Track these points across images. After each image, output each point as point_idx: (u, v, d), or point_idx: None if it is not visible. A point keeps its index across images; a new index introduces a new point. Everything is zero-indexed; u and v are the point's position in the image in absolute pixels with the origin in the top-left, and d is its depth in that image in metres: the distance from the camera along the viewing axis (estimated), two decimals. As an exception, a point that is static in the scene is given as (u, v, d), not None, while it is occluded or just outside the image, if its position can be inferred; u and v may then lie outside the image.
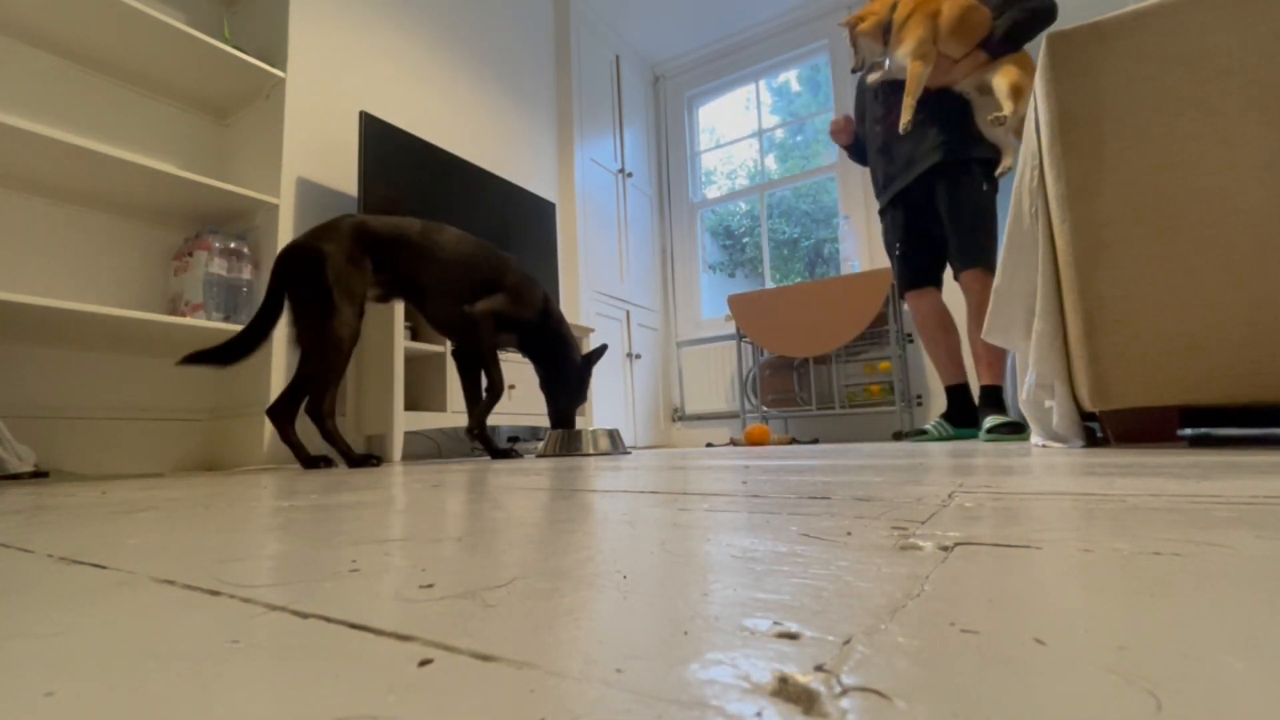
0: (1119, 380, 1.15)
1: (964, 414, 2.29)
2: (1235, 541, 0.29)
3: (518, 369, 2.52)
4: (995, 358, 2.14)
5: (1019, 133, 1.97)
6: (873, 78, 2.29)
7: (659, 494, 0.60)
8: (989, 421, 2.03)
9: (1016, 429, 1.98)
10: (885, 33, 2.17)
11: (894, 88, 2.23)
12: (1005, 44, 2.03)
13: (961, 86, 2.15)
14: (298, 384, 1.62)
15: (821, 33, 3.99)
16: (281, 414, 1.61)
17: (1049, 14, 2.01)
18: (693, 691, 0.14)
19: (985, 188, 2.15)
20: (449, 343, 2.29)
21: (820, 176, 4.10)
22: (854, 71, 2.32)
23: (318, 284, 1.59)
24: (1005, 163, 2.10)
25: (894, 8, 2.15)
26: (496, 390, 1.90)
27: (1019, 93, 1.94)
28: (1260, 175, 1.06)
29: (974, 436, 2.22)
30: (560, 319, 2.09)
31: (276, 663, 0.17)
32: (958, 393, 2.32)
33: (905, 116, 2.11)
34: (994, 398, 2.13)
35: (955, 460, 0.98)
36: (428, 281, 1.83)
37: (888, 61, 2.20)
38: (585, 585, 0.25)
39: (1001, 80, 1.99)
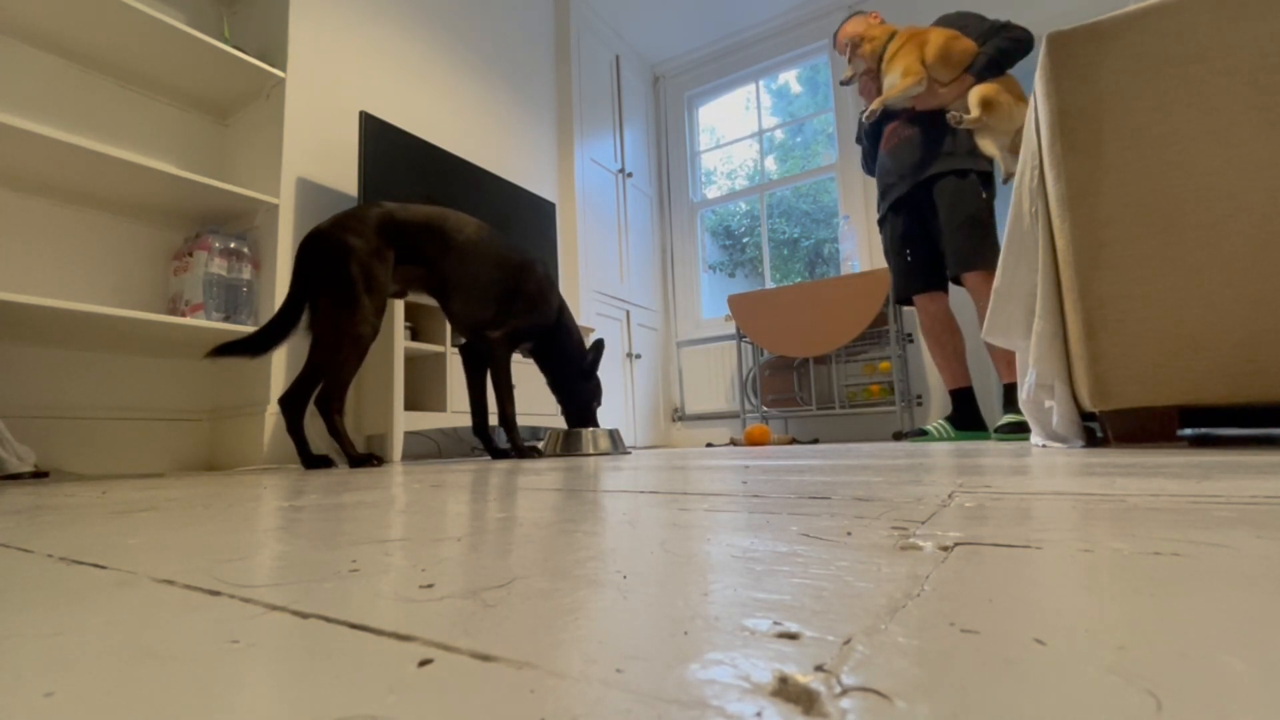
0: (1119, 380, 1.15)
1: (967, 417, 2.31)
2: (1235, 541, 0.29)
3: (518, 367, 2.52)
4: (1013, 356, 2.17)
5: (1014, 148, 2.07)
6: (867, 114, 2.40)
7: (659, 494, 0.60)
8: (1002, 420, 2.09)
9: (1026, 428, 2.01)
10: (879, 60, 2.32)
11: (890, 112, 2.36)
12: (989, 70, 2.14)
13: (956, 108, 2.24)
14: (308, 373, 1.59)
15: (821, 33, 3.98)
16: (293, 405, 1.59)
17: (1029, 44, 2.17)
18: (693, 691, 0.14)
19: (984, 195, 2.20)
20: (450, 342, 2.30)
21: (820, 176, 4.10)
22: (843, 83, 2.47)
23: (340, 276, 1.57)
24: (1005, 170, 2.16)
25: (890, 38, 2.31)
26: (507, 419, 1.88)
27: (988, 104, 2.07)
28: (1260, 175, 1.06)
29: (978, 438, 2.24)
30: (571, 325, 2.07)
31: (276, 663, 0.17)
32: (962, 396, 2.33)
33: (873, 106, 2.26)
34: (1014, 395, 2.18)
35: (955, 460, 0.98)
36: (454, 276, 1.80)
37: (883, 82, 2.32)
38: (585, 585, 0.25)
39: (974, 92, 2.11)
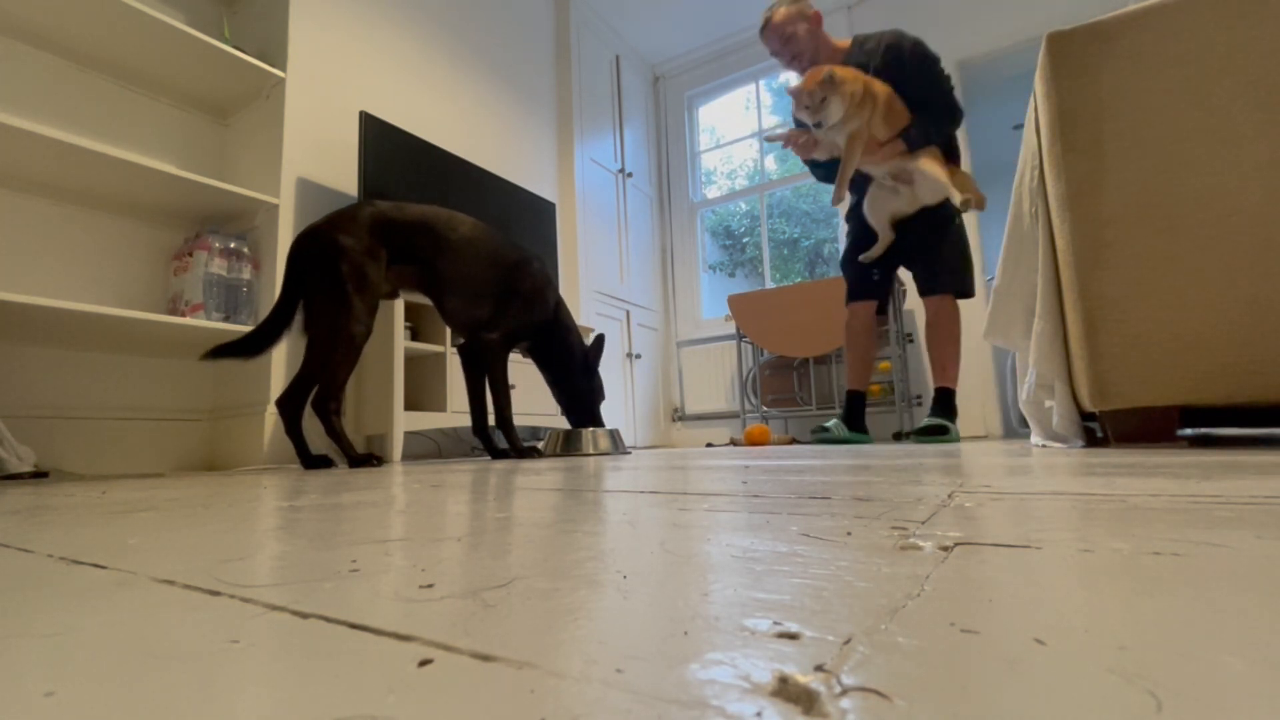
0: (1119, 380, 1.15)
1: (855, 418, 2.39)
2: (1235, 541, 0.29)
3: (518, 367, 2.52)
4: (950, 360, 2.25)
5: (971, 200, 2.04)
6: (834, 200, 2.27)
7: (659, 494, 0.60)
8: (923, 422, 2.18)
9: (941, 430, 2.12)
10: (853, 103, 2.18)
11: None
12: (920, 142, 2.14)
13: (878, 171, 2.22)
14: (305, 375, 1.59)
15: (821, 33, 3.98)
16: (290, 406, 1.59)
17: (960, 115, 2.19)
18: (693, 691, 0.14)
19: (956, 223, 2.26)
20: (450, 342, 2.29)
21: (820, 176, 4.09)
22: (816, 127, 2.15)
23: (332, 276, 1.56)
24: (958, 200, 2.08)
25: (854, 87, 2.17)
26: (504, 420, 1.88)
27: (952, 177, 2.09)
28: (1260, 175, 1.06)
29: (861, 441, 2.33)
30: (569, 321, 2.06)
31: (276, 663, 0.17)
32: (857, 398, 2.40)
33: (839, 193, 2.18)
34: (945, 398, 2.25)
35: (955, 460, 0.98)
36: (448, 275, 1.79)
37: (823, 126, 2.14)
38: (585, 585, 0.25)
39: (933, 167, 2.09)
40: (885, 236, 2.26)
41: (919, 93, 2.15)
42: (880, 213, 2.25)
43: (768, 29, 2.31)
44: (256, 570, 0.30)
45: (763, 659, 0.16)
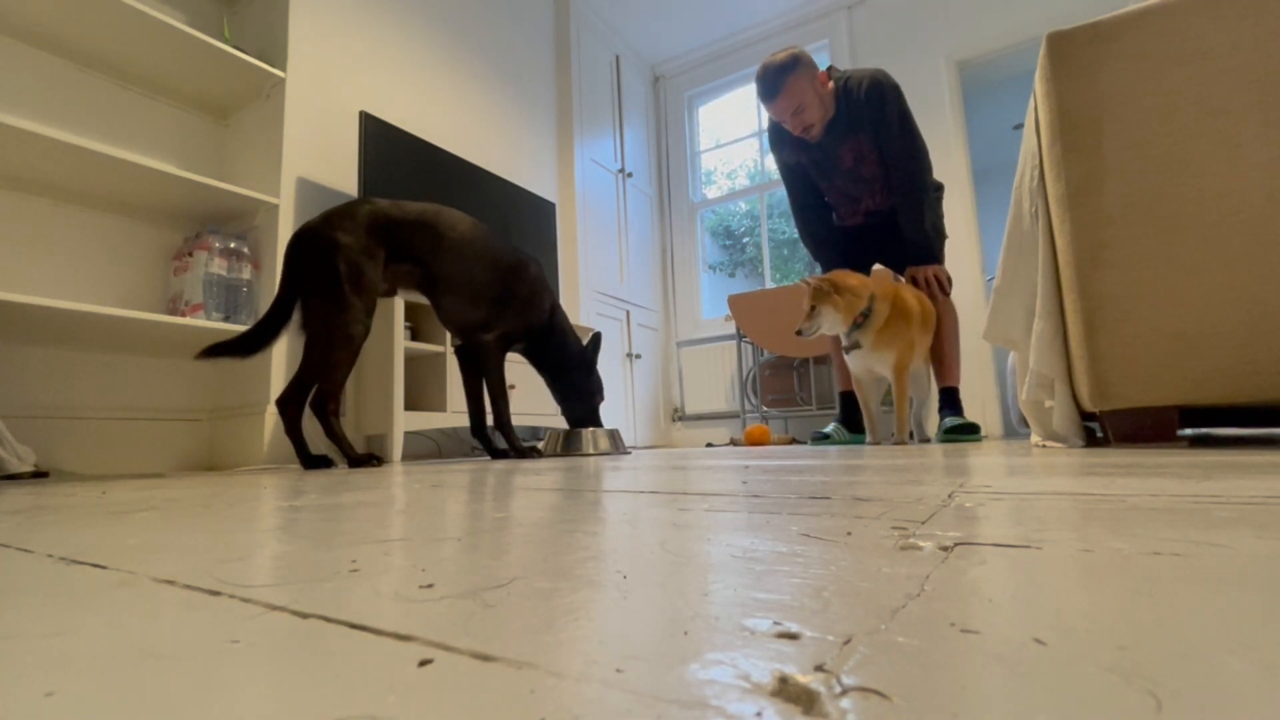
0: (1119, 380, 1.15)
1: (853, 420, 2.36)
2: (1235, 541, 0.29)
3: (517, 367, 2.52)
4: (951, 360, 2.20)
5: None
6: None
7: (659, 494, 0.60)
8: (949, 422, 2.10)
9: (973, 429, 2.05)
10: (853, 324, 1.96)
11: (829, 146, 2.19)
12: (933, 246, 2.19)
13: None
14: (304, 374, 1.58)
15: (821, 33, 3.99)
16: (290, 405, 1.58)
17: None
18: (693, 691, 0.14)
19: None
20: (450, 342, 2.29)
21: (820, 176, 4.09)
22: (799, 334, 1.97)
23: (329, 275, 1.55)
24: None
25: (872, 299, 1.96)
26: (502, 421, 1.88)
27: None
28: (1260, 175, 1.06)
29: (861, 442, 2.29)
30: (565, 324, 2.06)
31: (276, 663, 0.17)
32: (849, 399, 2.37)
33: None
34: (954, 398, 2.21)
35: (955, 460, 0.98)
36: (446, 275, 1.78)
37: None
38: (585, 585, 0.25)
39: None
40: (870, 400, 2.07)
41: (902, 153, 2.08)
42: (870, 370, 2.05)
43: (776, 101, 2.07)
44: (256, 570, 0.30)
45: (763, 659, 0.16)
